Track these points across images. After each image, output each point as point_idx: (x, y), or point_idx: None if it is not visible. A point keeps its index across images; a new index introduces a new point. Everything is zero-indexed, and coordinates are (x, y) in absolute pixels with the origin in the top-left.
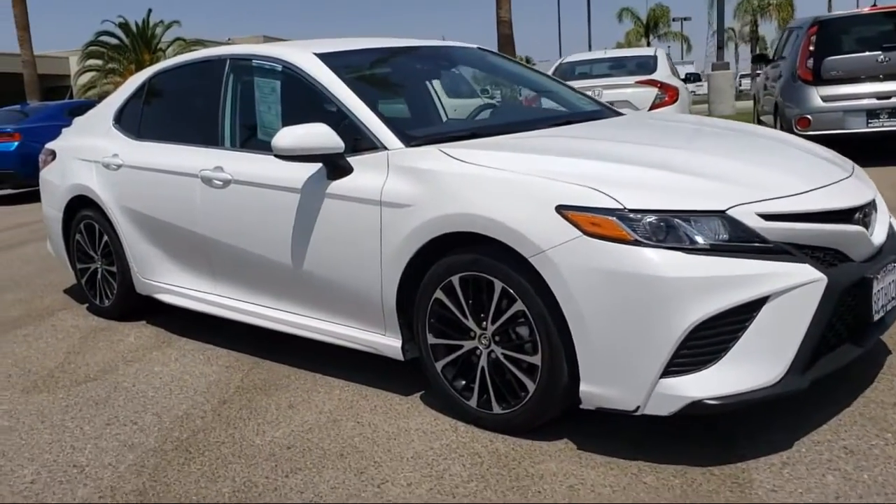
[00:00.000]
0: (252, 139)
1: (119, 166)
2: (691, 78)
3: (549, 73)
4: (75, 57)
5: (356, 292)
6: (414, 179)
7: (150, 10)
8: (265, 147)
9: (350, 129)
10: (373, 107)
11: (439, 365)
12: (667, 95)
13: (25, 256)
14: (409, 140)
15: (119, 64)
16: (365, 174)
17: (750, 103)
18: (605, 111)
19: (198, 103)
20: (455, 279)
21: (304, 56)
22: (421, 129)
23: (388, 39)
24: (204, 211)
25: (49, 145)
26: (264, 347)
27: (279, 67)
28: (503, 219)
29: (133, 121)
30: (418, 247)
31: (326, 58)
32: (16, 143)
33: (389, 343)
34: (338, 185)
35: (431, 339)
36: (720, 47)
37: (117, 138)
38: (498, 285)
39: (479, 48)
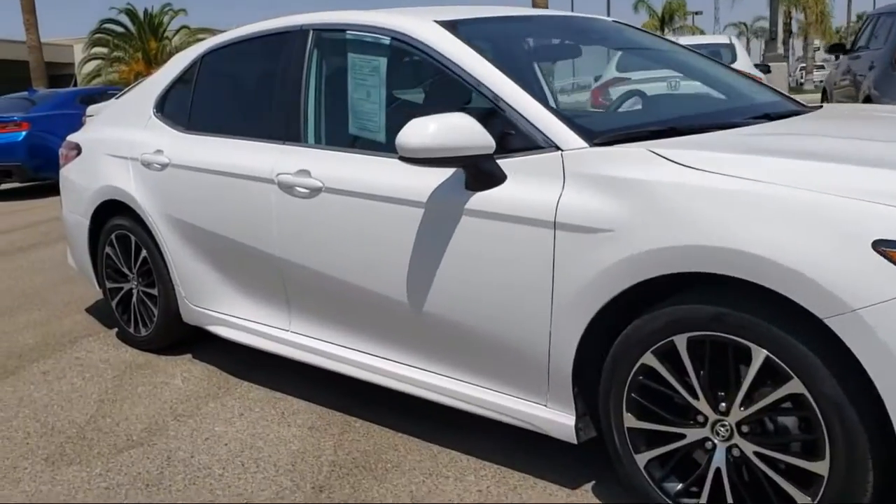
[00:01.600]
0: (349, 135)
1: (164, 165)
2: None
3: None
4: (80, 45)
5: (507, 346)
6: (610, 192)
7: None
8: (370, 145)
9: (497, 121)
10: (533, 91)
11: (641, 458)
12: None
13: (37, 264)
14: (593, 136)
15: (125, 52)
16: (526, 183)
17: (808, 96)
18: (788, 102)
19: (269, 87)
20: (680, 340)
21: (425, 25)
22: (603, 121)
23: (507, 8)
24: (281, 226)
25: (72, 137)
26: (353, 398)
27: (386, 40)
28: (781, 257)
29: (181, 109)
30: (620, 290)
31: (454, 27)
32: (23, 133)
33: (554, 419)
34: (483, 199)
35: (631, 422)
36: (773, 39)
37: (160, 130)
38: (759, 354)
39: (616, 21)
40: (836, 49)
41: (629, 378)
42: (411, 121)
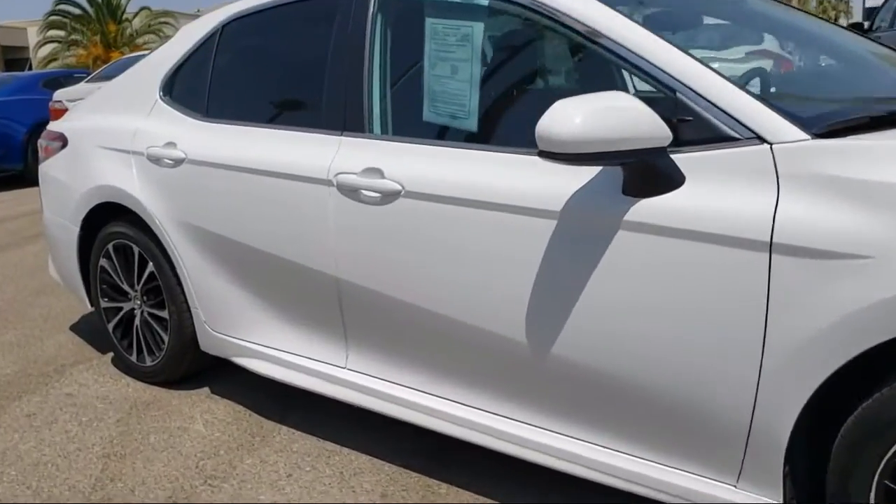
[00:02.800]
0: (430, 123)
1: (178, 161)
2: None
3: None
4: (34, 28)
5: (679, 407)
6: (858, 203)
7: None
8: (458, 136)
9: (664, 105)
10: (708, 66)
11: None
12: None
13: (7, 269)
14: (813, 124)
15: (82, 35)
16: (717, 188)
17: None
18: None
19: (317, 63)
20: None
21: None
22: (814, 106)
23: None
24: (341, 239)
25: (55, 126)
26: (426, 452)
27: (483, 0)
28: None
29: (196, 91)
30: (871, 344)
31: None
32: None
33: (748, 503)
34: (652, 208)
35: None
36: None
37: (171, 118)
38: None
39: None
40: (854, 29)
41: (883, 460)
42: (556, 104)
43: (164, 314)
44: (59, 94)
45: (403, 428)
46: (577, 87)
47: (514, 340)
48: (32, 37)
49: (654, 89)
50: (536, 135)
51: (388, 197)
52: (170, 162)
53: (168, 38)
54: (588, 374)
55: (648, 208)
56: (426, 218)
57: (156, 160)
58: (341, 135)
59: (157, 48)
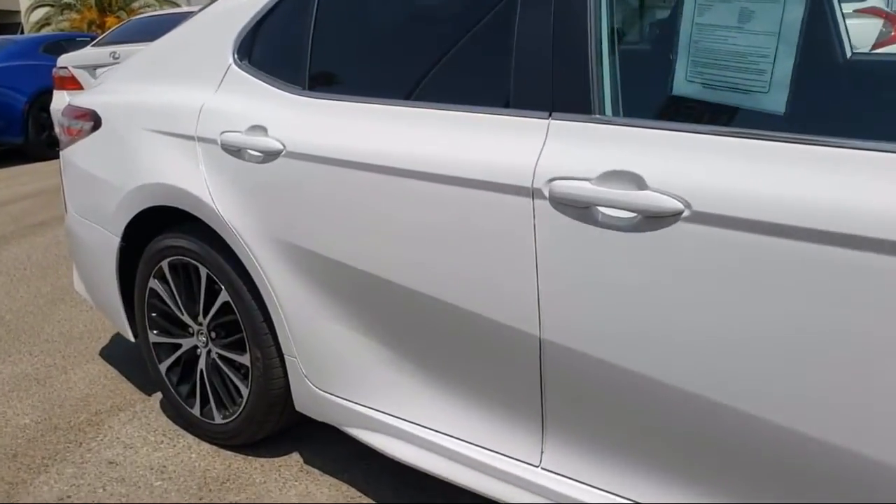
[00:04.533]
0: (688, 102)
1: (272, 153)
2: None
3: None
4: None
5: None
6: None
7: None
8: (752, 119)
9: None
10: None
11: None
12: (894, 30)
13: (14, 270)
14: None
15: None
16: None
17: None
18: None
19: (501, 14)
20: None
21: None
22: None
23: None
24: (553, 283)
25: (82, 102)
26: None
27: None
28: None
29: (291, 53)
30: None
31: None
32: None
33: None
34: None
35: None
36: None
37: (252, 90)
38: None
39: None
40: None
41: None
42: None
43: (244, 359)
44: (65, 60)
45: None
46: None
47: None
48: (24, 0)
49: None
50: None
51: (657, 220)
52: (257, 154)
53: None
54: None
55: None
56: (753, 260)
57: (235, 151)
58: (549, 118)
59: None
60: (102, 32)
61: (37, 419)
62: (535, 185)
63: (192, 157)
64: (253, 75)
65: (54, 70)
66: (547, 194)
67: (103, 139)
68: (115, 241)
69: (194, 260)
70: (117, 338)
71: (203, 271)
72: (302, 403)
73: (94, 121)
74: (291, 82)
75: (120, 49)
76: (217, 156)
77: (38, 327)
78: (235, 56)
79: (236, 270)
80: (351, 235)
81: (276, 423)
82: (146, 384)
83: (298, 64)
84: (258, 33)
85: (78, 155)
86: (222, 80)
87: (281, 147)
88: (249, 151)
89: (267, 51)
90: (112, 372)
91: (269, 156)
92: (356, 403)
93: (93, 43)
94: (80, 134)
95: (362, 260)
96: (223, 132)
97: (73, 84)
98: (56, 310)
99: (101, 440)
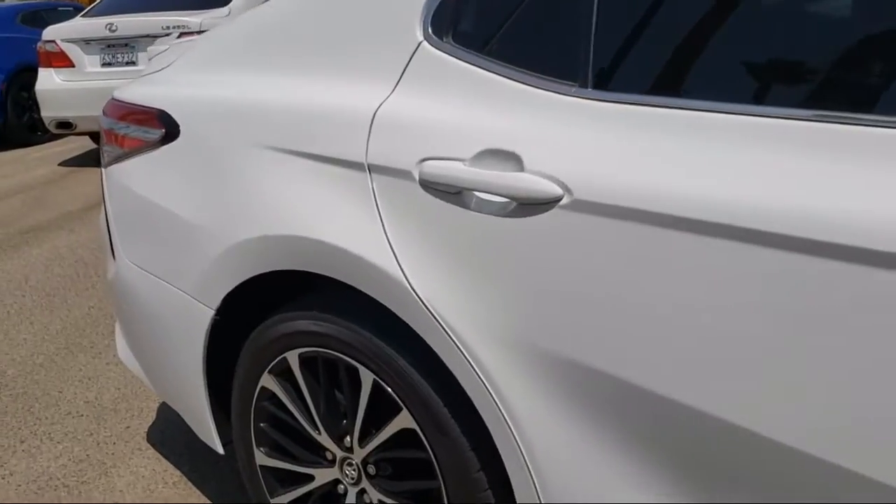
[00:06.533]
0: None
1: (542, 202)
2: None
3: None
4: None
5: None
6: None
7: None
8: None
9: None
10: None
11: None
12: None
13: (7, 293)
14: None
15: None
16: None
17: None
18: None
19: None
20: None
21: None
22: None
23: None
24: None
25: (138, 95)
26: None
27: None
28: None
29: (540, 26)
30: None
31: None
32: None
33: None
34: None
35: None
36: None
37: (472, 86)
38: None
39: None
40: None
41: None
42: None
43: None
44: (51, 33)
45: None
46: None
47: None
48: None
49: None
50: None
51: None
52: (499, 201)
53: None
54: None
55: None
56: None
57: (450, 192)
58: None
59: None
60: (88, 2)
61: None
62: None
63: (358, 196)
64: (471, 62)
65: (39, 44)
66: None
67: (184, 157)
68: (206, 314)
69: (350, 357)
70: (170, 412)
71: (367, 376)
72: None
73: (166, 127)
74: (554, 75)
75: (117, 20)
76: (410, 197)
77: (53, 391)
78: (428, 29)
79: (435, 384)
80: (719, 368)
81: None
82: (233, 488)
83: (568, 43)
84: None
85: (137, 178)
86: (405, 70)
87: (558, 192)
88: (482, 196)
89: (491, 19)
90: (172, 472)
91: (530, 205)
92: None
93: (83, 13)
94: (141, 146)
95: (747, 413)
96: (424, 159)
97: (62, 60)
98: (74, 360)
99: None
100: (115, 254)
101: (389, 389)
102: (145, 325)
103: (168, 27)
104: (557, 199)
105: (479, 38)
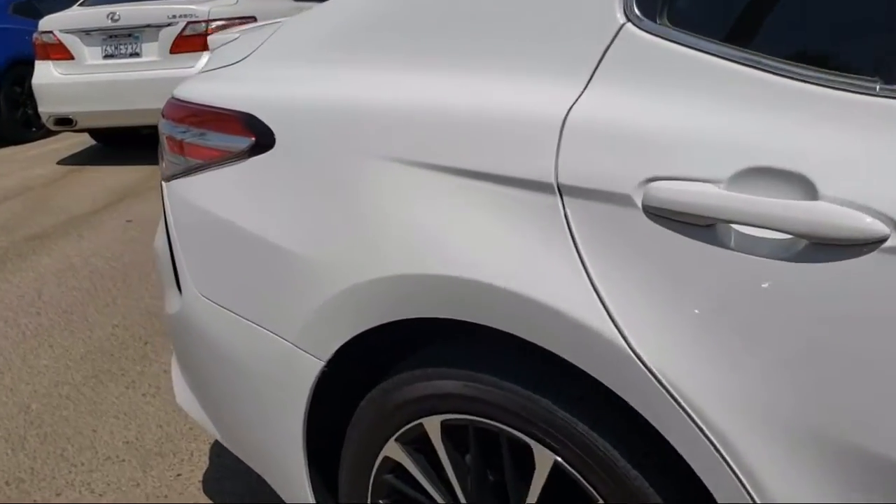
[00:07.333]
0: None
1: (870, 241)
2: None
3: None
4: None
5: None
6: None
7: None
8: None
9: None
10: None
11: None
12: None
13: (16, 314)
14: None
15: None
16: None
17: None
18: None
19: None
20: None
21: None
22: None
23: None
24: None
25: (210, 95)
26: None
27: None
28: None
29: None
30: None
31: None
32: None
33: None
34: None
35: None
36: None
37: (712, 81)
38: None
39: None
40: None
41: None
42: None
43: None
44: (49, 23)
45: None
46: None
47: None
48: None
49: None
50: None
51: None
52: (778, 240)
53: None
54: None
55: None
56: None
57: (702, 227)
58: None
59: None
60: None
61: None
62: None
63: (542, 226)
64: (706, 51)
65: (35, 35)
66: None
67: (282, 172)
68: (313, 366)
69: (520, 431)
70: (226, 456)
71: (544, 457)
72: None
73: (256, 134)
74: (845, 69)
75: (120, 9)
76: (626, 229)
77: (86, 429)
78: (634, 7)
79: (656, 479)
80: None
81: None
82: None
83: (863, 25)
84: None
85: (216, 196)
86: (601, 60)
87: (881, 229)
88: (747, 231)
89: None
90: None
91: (830, 246)
92: None
93: (80, 2)
94: (217, 157)
95: None
96: (650, 179)
97: (60, 52)
98: (105, 391)
99: None
100: (182, 285)
101: (581, 478)
102: (219, 372)
103: (174, 16)
104: (879, 240)
105: (713, 19)
